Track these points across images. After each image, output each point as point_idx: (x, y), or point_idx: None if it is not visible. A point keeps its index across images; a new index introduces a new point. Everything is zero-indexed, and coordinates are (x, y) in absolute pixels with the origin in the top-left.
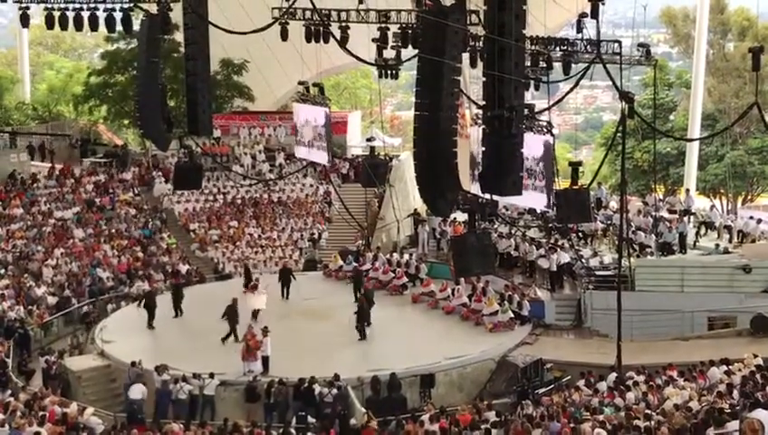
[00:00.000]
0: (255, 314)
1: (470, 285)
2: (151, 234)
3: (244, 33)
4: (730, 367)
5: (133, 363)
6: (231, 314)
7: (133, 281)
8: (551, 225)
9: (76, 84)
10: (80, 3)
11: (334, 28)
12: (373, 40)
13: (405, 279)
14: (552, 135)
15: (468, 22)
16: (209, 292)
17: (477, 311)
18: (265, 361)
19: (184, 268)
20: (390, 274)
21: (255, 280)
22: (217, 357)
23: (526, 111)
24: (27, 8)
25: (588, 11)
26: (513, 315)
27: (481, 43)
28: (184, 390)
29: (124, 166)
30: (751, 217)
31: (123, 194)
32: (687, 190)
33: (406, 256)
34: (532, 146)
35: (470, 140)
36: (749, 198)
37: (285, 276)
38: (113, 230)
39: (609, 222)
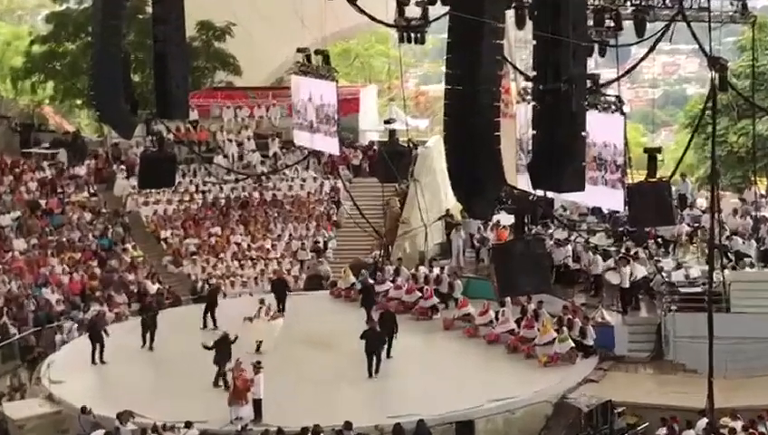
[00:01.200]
0: (259, 345)
1: (518, 307)
2: (111, 244)
3: None
4: None
5: (84, 410)
6: (222, 351)
7: (89, 304)
8: (622, 229)
9: (14, 55)
10: None
11: None
12: None
13: (435, 299)
14: (623, 114)
15: None
16: (185, 317)
17: (528, 340)
18: (257, 405)
19: (153, 288)
20: (416, 293)
21: (261, 303)
22: (196, 401)
23: (589, 84)
24: None
25: None
26: (573, 345)
27: None
28: None
29: (77, 158)
30: None
31: (76, 194)
32: None
33: (436, 271)
34: (598, 128)
35: (516, 121)
36: None
37: (280, 290)
38: (63, 240)
39: (696, 225)
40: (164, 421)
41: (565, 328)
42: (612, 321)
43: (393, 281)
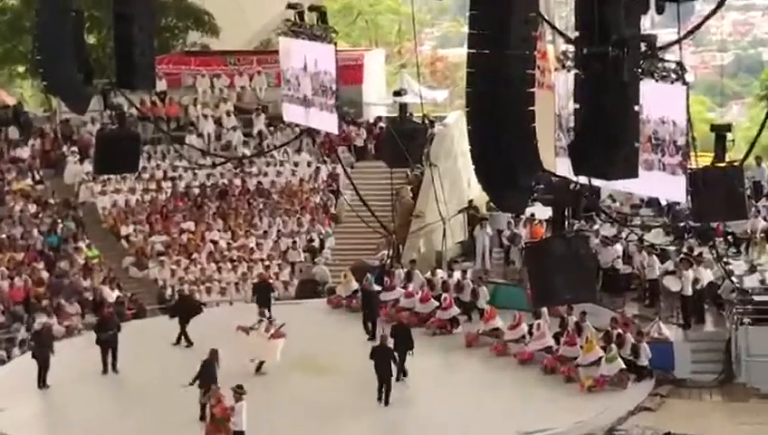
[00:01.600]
0: (259, 367)
1: (557, 319)
2: (61, 242)
3: None
4: None
5: None
6: (206, 375)
7: (33, 316)
8: (683, 224)
9: None
10: None
11: None
12: None
13: (455, 310)
14: (686, 83)
15: None
16: (151, 331)
17: (569, 359)
18: None
19: (112, 295)
20: (433, 302)
21: (262, 314)
22: (166, 431)
23: (643, 47)
24: None
25: None
26: (624, 366)
27: None
28: None
29: (19, 138)
30: None
31: (17, 181)
32: None
33: (456, 275)
34: (654, 101)
35: (555, 94)
36: None
37: (263, 294)
38: (2, 237)
39: None
40: None
41: (614, 345)
42: (671, 336)
43: (404, 287)
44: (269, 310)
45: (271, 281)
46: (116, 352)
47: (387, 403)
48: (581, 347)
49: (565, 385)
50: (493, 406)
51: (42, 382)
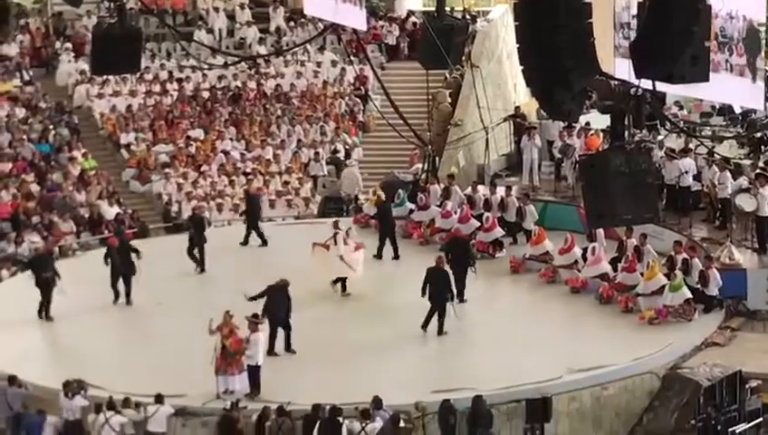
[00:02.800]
0: (344, 288)
1: (614, 243)
2: (53, 152)
3: None
4: None
5: (12, 380)
6: (275, 301)
7: (22, 233)
8: (761, 135)
9: None
10: None
11: None
12: None
13: (499, 231)
14: None
15: None
16: (155, 252)
17: (628, 287)
18: (254, 374)
19: (111, 211)
20: (473, 222)
21: (336, 228)
22: (171, 368)
23: None
24: None
25: None
26: (690, 295)
27: None
28: (112, 424)
29: (3, 33)
30: None
31: (3, 82)
32: None
33: (500, 192)
34: None
35: None
36: None
37: (253, 210)
38: None
39: None
40: (125, 394)
41: (679, 272)
42: (745, 262)
43: (441, 206)
44: (257, 228)
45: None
46: (130, 281)
47: (440, 332)
48: (642, 274)
49: (623, 317)
50: (540, 340)
51: (45, 313)
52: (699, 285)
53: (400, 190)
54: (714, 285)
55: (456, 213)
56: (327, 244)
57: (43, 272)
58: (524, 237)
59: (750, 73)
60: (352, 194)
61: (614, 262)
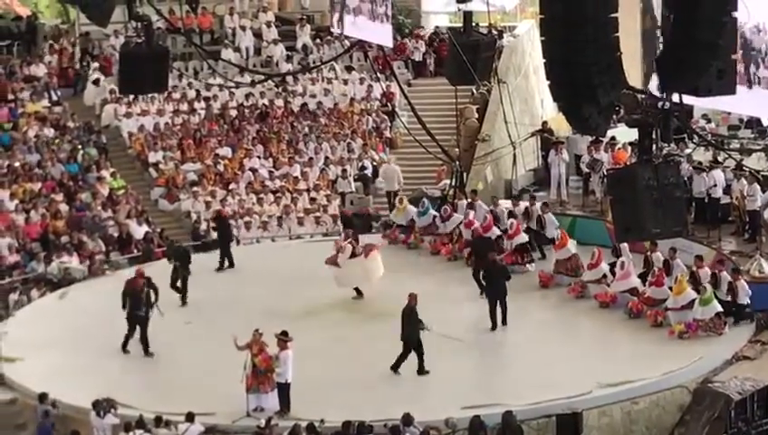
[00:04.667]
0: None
1: (641, 256)
2: (82, 171)
3: None
4: None
5: (42, 398)
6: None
7: (52, 254)
8: None
9: None
10: None
11: None
12: None
13: (524, 236)
14: None
15: None
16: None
17: (657, 301)
18: (284, 391)
19: (140, 230)
20: (495, 230)
21: (347, 232)
22: (201, 387)
23: None
24: None
25: None
26: (720, 308)
27: None
28: None
29: (33, 53)
30: None
31: (32, 102)
32: None
33: (523, 204)
34: (749, 6)
35: None
36: None
37: (223, 230)
38: (16, 166)
39: None
40: (156, 413)
41: (708, 285)
42: None
43: (465, 217)
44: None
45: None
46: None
47: (504, 322)
48: (671, 288)
49: (652, 331)
50: (570, 355)
51: (144, 346)
52: (729, 298)
53: (424, 199)
54: (743, 294)
55: (477, 222)
56: (335, 259)
57: (137, 310)
58: (548, 245)
59: None
60: (393, 190)
61: (642, 277)
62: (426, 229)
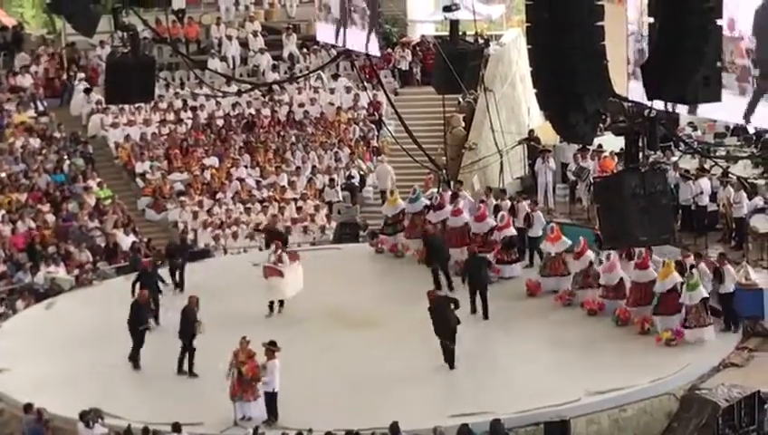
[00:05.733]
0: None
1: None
2: (69, 181)
3: None
4: None
5: (28, 408)
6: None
7: (38, 264)
8: None
9: None
10: None
11: None
12: None
13: (513, 230)
14: None
15: None
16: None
17: (644, 284)
18: (271, 400)
19: (127, 240)
20: (489, 221)
21: (276, 247)
22: (187, 396)
23: None
24: None
25: None
26: (706, 295)
27: None
28: None
29: (18, 62)
30: None
31: (18, 113)
32: None
33: (509, 202)
34: (740, 13)
35: (627, 7)
36: None
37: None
38: (2, 176)
39: None
40: (143, 423)
41: (695, 271)
42: (762, 282)
43: (453, 205)
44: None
45: (279, 228)
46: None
47: (486, 316)
48: (658, 273)
49: (640, 338)
50: (558, 363)
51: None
52: (715, 283)
53: (415, 186)
54: (729, 280)
55: (466, 211)
56: (278, 267)
57: (140, 324)
58: (539, 257)
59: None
60: (386, 189)
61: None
62: (415, 217)
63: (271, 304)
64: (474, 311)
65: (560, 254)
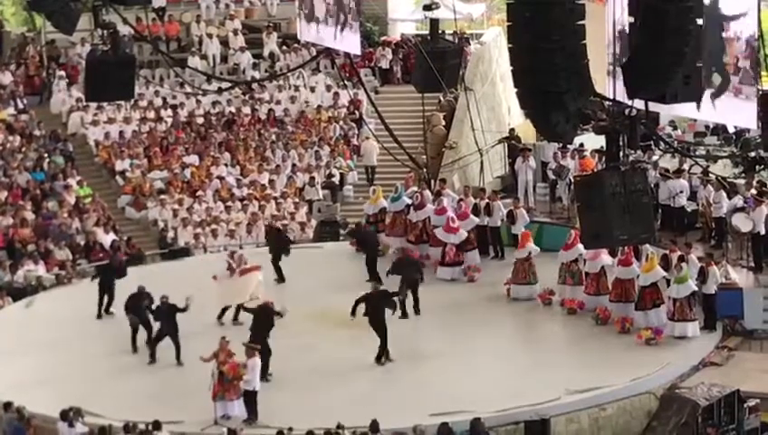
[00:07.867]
0: (238, 311)
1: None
2: (49, 179)
3: None
4: None
5: (7, 406)
6: (260, 325)
7: (18, 262)
8: (754, 154)
9: None
10: None
11: None
12: None
13: (472, 221)
14: None
15: None
16: (152, 279)
17: (626, 280)
18: (250, 399)
19: (107, 239)
20: (473, 218)
21: (232, 255)
22: (168, 393)
23: None
24: None
25: None
26: (695, 288)
27: None
28: None
29: None
30: None
31: None
32: None
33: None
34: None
35: (608, 7)
36: None
37: (276, 244)
38: None
39: None
40: (124, 421)
41: (684, 264)
42: (741, 282)
43: (435, 205)
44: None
45: (284, 230)
46: (112, 294)
47: (417, 312)
48: (641, 265)
49: (620, 337)
50: (538, 362)
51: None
52: (698, 282)
53: (398, 184)
54: (712, 281)
55: (450, 210)
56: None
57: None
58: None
59: (744, 93)
60: (371, 165)
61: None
62: (396, 215)
63: (223, 311)
64: (404, 315)
65: (574, 261)
